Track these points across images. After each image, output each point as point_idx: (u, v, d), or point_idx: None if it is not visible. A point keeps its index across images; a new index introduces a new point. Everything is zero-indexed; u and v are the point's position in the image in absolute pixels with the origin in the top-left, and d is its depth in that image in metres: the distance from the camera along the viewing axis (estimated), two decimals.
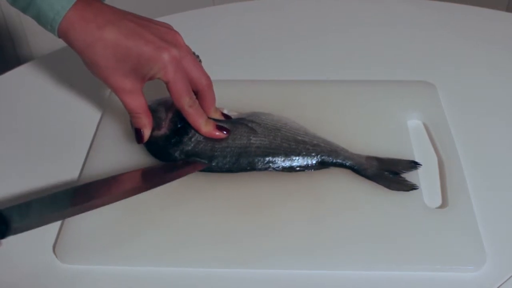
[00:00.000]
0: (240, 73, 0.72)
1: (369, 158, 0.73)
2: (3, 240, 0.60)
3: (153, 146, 0.75)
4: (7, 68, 0.93)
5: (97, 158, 0.76)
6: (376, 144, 0.75)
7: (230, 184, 0.72)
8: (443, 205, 0.70)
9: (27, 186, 0.74)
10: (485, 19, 1.02)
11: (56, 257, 0.66)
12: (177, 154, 0.73)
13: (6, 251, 0.64)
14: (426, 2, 1.05)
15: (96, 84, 0.88)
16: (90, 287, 0.64)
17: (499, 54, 0.94)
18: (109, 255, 0.66)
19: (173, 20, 0.95)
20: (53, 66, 0.94)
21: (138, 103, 0.71)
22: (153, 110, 0.75)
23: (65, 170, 0.76)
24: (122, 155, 0.76)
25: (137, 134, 0.73)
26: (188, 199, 0.70)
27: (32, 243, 0.67)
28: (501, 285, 0.63)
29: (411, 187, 0.70)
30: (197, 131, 0.73)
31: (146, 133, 0.73)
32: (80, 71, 0.90)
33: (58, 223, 0.69)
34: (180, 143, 0.73)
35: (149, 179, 0.71)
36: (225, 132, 0.73)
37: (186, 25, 0.96)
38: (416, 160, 0.73)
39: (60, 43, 1.07)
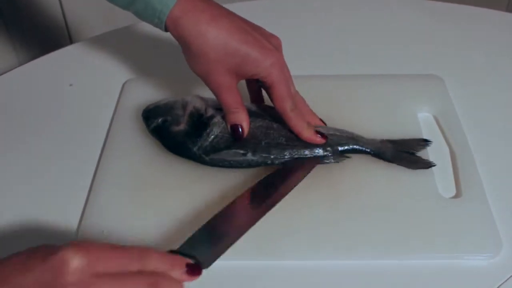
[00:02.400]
0: None
1: (383, 141, 0.74)
2: None
3: (171, 142, 0.74)
4: (7, 68, 0.92)
5: (112, 155, 0.75)
6: (388, 136, 0.75)
7: (247, 177, 0.71)
8: (457, 195, 0.70)
9: (37, 188, 0.73)
10: (485, 19, 1.03)
11: None
12: (195, 149, 0.72)
13: None
14: (429, 3, 1.06)
15: (101, 82, 0.88)
16: None
17: (500, 53, 0.95)
18: None
19: None
20: (54, 66, 0.93)
21: (235, 98, 0.71)
22: (171, 106, 0.75)
23: (79, 170, 0.75)
24: (137, 151, 0.76)
25: (235, 131, 0.71)
26: (205, 193, 0.70)
27: None
28: None
29: (430, 164, 0.72)
30: (298, 135, 0.72)
31: (246, 128, 0.71)
32: (80, 71, 0.91)
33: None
34: (199, 139, 0.72)
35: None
36: (321, 137, 0.72)
37: None
38: (429, 152, 0.74)
39: (60, 43, 1.07)
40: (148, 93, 0.83)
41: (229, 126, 0.72)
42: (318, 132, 0.72)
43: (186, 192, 0.70)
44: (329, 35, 0.99)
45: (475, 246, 0.64)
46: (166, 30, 0.70)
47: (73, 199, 0.71)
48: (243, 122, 0.71)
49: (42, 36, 1.23)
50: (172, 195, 0.70)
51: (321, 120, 0.75)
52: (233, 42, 0.67)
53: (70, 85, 0.89)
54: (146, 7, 0.69)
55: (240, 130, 0.71)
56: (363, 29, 1.00)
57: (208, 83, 0.71)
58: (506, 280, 0.62)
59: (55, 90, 0.88)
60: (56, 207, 0.71)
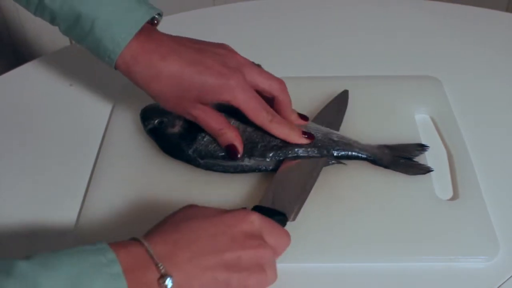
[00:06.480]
0: None
1: (380, 147, 0.74)
2: None
3: (166, 144, 0.74)
4: (7, 68, 0.92)
5: (108, 157, 0.76)
6: (385, 138, 0.75)
7: (246, 179, 0.72)
8: (454, 197, 0.70)
9: (36, 187, 0.74)
10: (485, 19, 1.03)
11: None
12: (190, 152, 0.72)
13: None
14: (427, 3, 1.06)
15: (100, 83, 0.88)
16: None
17: (499, 53, 0.94)
18: None
19: (173, 20, 0.95)
20: (54, 66, 0.93)
21: (216, 119, 0.70)
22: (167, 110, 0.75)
23: (75, 171, 0.76)
24: (135, 152, 0.76)
25: (230, 151, 0.71)
26: (203, 196, 0.70)
27: None
28: None
29: (427, 169, 0.71)
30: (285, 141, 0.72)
31: (239, 145, 0.71)
32: (80, 71, 0.91)
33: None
34: (194, 142, 0.72)
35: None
36: (307, 137, 0.72)
37: (186, 25, 0.97)
38: (426, 153, 0.74)
39: (60, 43, 1.07)
40: (146, 95, 0.83)
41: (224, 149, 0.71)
42: (304, 133, 0.72)
43: (183, 194, 0.70)
44: (325, 36, 0.99)
45: (472, 248, 0.64)
46: (115, 68, 0.70)
47: (70, 199, 0.72)
48: (234, 140, 0.70)
49: (42, 36, 1.23)
50: (168, 197, 0.70)
51: (301, 115, 0.74)
52: (185, 77, 0.68)
53: (70, 85, 0.89)
54: (98, 45, 0.69)
55: (235, 148, 0.70)
56: (359, 29, 1.00)
57: (183, 115, 0.71)
58: (503, 283, 0.62)
59: (55, 90, 0.89)
60: (56, 205, 0.71)
